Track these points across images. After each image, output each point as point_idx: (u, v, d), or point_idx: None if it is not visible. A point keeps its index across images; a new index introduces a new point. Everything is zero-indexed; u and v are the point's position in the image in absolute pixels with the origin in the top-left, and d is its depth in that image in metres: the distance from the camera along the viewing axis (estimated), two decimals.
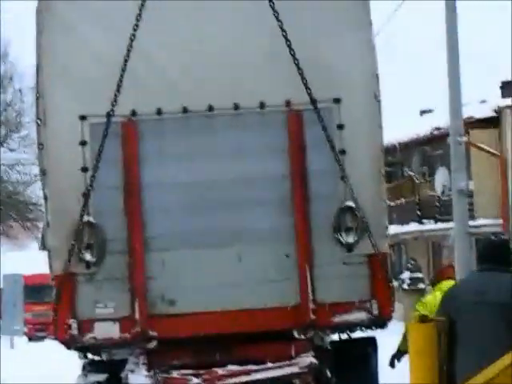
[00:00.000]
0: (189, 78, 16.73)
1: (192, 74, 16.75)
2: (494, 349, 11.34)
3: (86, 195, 16.23)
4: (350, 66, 16.96)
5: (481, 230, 48.81)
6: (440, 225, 59.79)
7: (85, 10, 17.20)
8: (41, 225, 29.47)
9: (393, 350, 18.62)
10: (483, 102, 59.07)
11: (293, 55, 15.97)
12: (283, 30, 15.92)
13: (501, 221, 56.28)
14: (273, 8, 15.89)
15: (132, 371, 16.60)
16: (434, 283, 20.64)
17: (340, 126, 16.39)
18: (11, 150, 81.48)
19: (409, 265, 59.21)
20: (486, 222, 54.71)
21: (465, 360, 11.94)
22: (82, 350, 17.58)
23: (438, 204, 61.92)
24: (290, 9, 16.32)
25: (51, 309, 17.36)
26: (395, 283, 21.15)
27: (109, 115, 16.14)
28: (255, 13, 16.56)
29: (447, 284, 19.15)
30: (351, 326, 17.23)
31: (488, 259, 13.12)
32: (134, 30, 16.09)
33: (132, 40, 16.08)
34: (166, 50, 16.77)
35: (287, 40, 15.92)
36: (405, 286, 29.66)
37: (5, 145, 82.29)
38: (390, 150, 49.03)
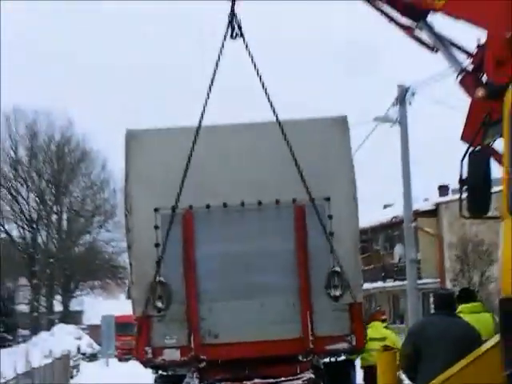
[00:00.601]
0: (227, 183, 19.95)
1: (229, 181, 19.99)
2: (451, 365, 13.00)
3: (158, 263, 19.54)
4: (336, 175, 20.34)
5: (425, 286, 56.55)
6: (397, 283, 68.33)
7: (159, 137, 20.80)
8: (127, 282, 32.25)
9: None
10: (426, 199, 70.05)
11: (298, 169, 19.15)
12: (292, 154, 19.10)
13: (438, 280, 67.50)
14: (285, 138, 19.12)
15: (188, 383, 20.08)
16: (367, 323, 22.95)
17: (329, 217, 19.92)
18: (108, 231, 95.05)
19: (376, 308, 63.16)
20: (429, 281, 64.95)
21: (432, 373, 13.32)
22: (155, 367, 20.75)
23: (396, 268, 69.48)
24: (295, 139, 19.36)
25: (134, 339, 21.13)
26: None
27: (173, 209, 19.38)
28: (272, 141, 19.71)
29: (375, 324, 23.58)
30: (337, 352, 20.58)
31: (444, 307, 15.21)
32: (191, 153, 19.05)
33: (189, 159, 19.05)
34: (213, 165, 19.99)
35: (295, 160, 19.13)
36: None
37: (103, 228, 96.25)
38: (363, 232, 54.57)
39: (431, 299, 57.45)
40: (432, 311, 17.79)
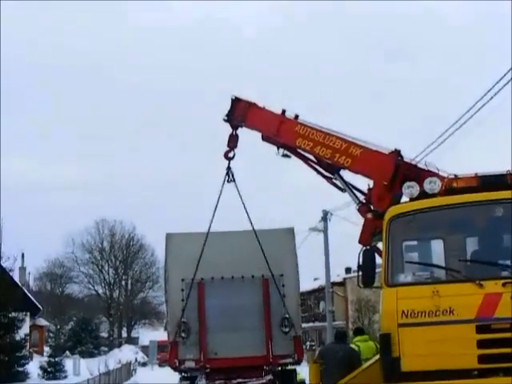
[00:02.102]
0: (224, 265, 19.62)
1: (225, 264, 19.64)
2: (342, 377, 12.83)
3: (183, 310, 19.31)
4: (287, 261, 20.11)
5: (337, 325, 54.14)
6: (321, 323, 66.33)
7: (185, 237, 20.44)
8: (165, 321, 32.71)
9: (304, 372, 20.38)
10: (338, 275, 67.97)
11: (265, 258, 19.05)
12: (261, 249, 19.00)
13: (345, 322, 65.90)
14: (258, 241, 19.04)
15: (199, 381, 19.79)
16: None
17: (283, 285, 19.67)
18: (154, 291, 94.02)
19: (308, 341, 62.78)
20: (339, 323, 63.12)
21: (328, 379, 13.53)
22: (180, 371, 20.38)
23: (320, 315, 69.30)
24: (263, 241, 19.24)
25: (168, 354, 20.84)
26: (304, 346, 24.13)
27: (192, 280, 19.27)
28: (249, 241, 19.30)
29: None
30: (286, 364, 19.92)
31: (339, 338, 15.66)
32: (202, 249, 18.99)
33: (202, 252, 18.97)
34: (217, 254, 19.40)
35: (263, 253, 19.01)
36: (307, 348, 32.71)
37: (151, 289, 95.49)
38: (302, 294, 55.09)
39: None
40: (333, 340, 17.18)
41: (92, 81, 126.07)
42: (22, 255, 64.48)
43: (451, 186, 10.67)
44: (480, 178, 10.58)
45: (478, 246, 10.91)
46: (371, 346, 16.12)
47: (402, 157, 15.81)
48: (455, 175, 10.90)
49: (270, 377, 19.66)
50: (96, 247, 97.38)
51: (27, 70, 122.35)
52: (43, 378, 39.18)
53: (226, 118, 19.14)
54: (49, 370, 40.09)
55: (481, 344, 9.58)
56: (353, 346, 16.04)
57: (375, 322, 52.86)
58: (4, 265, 43.43)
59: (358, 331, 17.90)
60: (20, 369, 38.59)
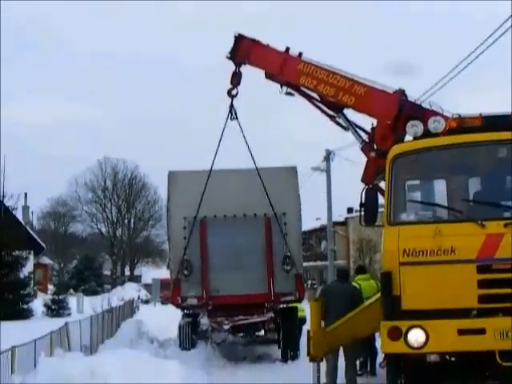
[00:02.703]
0: (226, 203, 19.62)
1: (227, 202, 19.65)
2: (344, 314, 12.92)
3: (185, 248, 19.44)
4: (289, 200, 20.08)
5: (338, 264, 54.07)
6: (322, 262, 65.62)
7: (187, 175, 20.48)
8: (167, 259, 32.88)
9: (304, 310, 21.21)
10: (340, 215, 67.62)
11: (268, 197, 19.13)
12: (264, 187, 19.08)
13: (345, 261, 66.38)
14: (261, 179, 19.13)
15: (201, 318, 20.23)
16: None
17: (285, 224, 19.73)
18: (156, 230, 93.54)
19: (309, 280, 63.30)
20: (340, 262, 62.94)
21: (333, 317, 13.18)
22: (183, 308, 20.59)
23: (322, 254, 68.77)
24: (266, 179, 19.31)
25: (171, 292, 20.55)
26: (305, 285, 24.26)
27: (195, 217, 19.40)
28: (253, 180, 19.39)
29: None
30: (287, 302, 20.08)
31: (341, 276, 15.66)
32: (205, 186, 19.08)
33: (204, 190, 19.07)
34: (219, 192, 19.45)
35: (266, 192, 19.07)
36: (308, 287, 33.10)
37: (154, 227, 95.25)
38: (304, 233, 55.12)
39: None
40: (335, 279, 17.31)
41: (97, 17, 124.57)
42: (25, 194, 64.87)
43: (455, 126, 10.60)
44: (484, 118, 10.48)
45: (480, 186, 10.90)
46: (372, 284, 16.22)
47: (406, 96, 15.77)
48: (459, 115, 10.83)
49: (271, 314, 19.84)
50: (99, 186, 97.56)
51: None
52: (47, 315, 39.51)
53: (229, 56, 19.02)
54: (53, 307, 40.39)
55: (481, 284, 9.63)
56: (354, 284, 16.09)
57: (376, 261, 53.16)
58: (7, 204, 43.66)
59: (360, 270, 17.94)
60: (24, 306, 38.83)
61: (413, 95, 16.09)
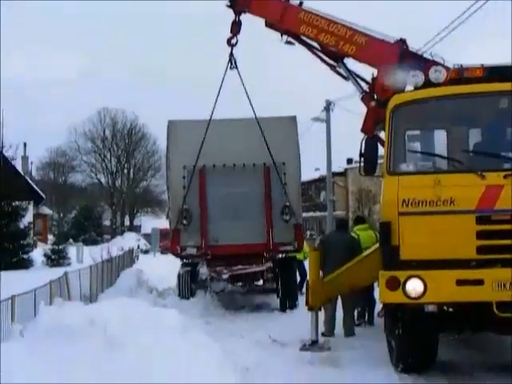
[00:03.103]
0: (226, 153, 19.51)
1: (227, 152, 19.55)
2: (343, 264, 13.11)
3: (184, 197, 19.34)
4: (289, 150, 19.96)
5: (337, 214, 54.05)
6: (321, 213, 66.60)
7: (187, 124, 20.38)
8: (167, 209, 32.75)
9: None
10: (339, 166, 68.03)
11: (267, 146, 19.01)
12: (264, 137, 18.98)
13: (345, 212, 66.20)
14: (260, 128, 19.00)
15: (200, 267, 19.97)
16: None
17: (284, 173, 19.58)
18: (156, 179, 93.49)
19: (308, 230, 63.48)
20: (339, 212, 63.17)
21: (329, 267, 13.59)
22: (182, 258, 20.53)
23: (321, 205, 68.78)
24: (266, 128, 19.18)
25: (170, 242, 20.66)
26: (304, 236, 24.18)
27: (194, 167, 19.29)
28: (252, 129, 19.19)
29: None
30: (286, 252, 20.07)
31: (340, 226, 16.44)
32: (204, 136, 18.94)
33: (203, 139, 18.92)
34: (219, 142, 19.37)
35: (265, 140, 18.97)
36: (307, 237, 32.78)
37: (153, 177, 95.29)
38: (303, 184, 54.69)
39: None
40: (334, 229, 17.23)
41: None
42: (24, 145, 64.87)
43: (456, 76, 10.52)
44: (486, 68, 10.40)
45: (481, 137, 10.86)
46: (371, 235, 16.22)
47: (407, 46, 15.61)
48: (461, 65, 10.75)
49: (270, 264, 19.88)
50: (98, 136, 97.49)
51: None
52: (47, 265, 39.71)
53: (229, 4, 18.80)
54: (52, 257, 40.58)
55: (480, 235, 9.65)
56: (353, 234, 16.15)
57: (375, 212, 53.47)
58: (6, 154, 43.67)
59: (359, 220, 17.99)
60: (24, 256, 39.05)
61: (414, 46, 15.93)
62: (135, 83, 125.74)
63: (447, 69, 11.04)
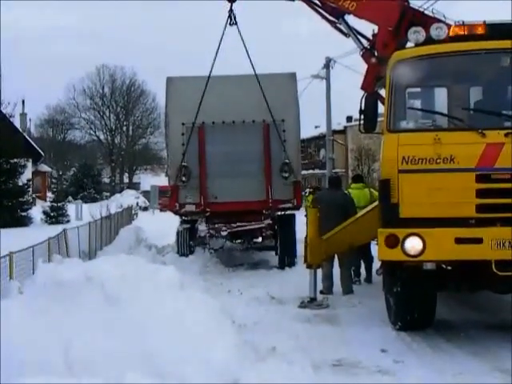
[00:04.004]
0: (225, 110, 19.53)
1: (226, 109, 19.54)
2: (336, 221, 13.40)
3: (183, 154, 19.40)
4: (288, 107, 19.96)
5: (336, 172, 52.94)
6: (321, 171, 66.51)
7: (186, 81, 20.30)
8: (166, 166, 32.72)
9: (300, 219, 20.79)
10: (339, 124, 68.04)
11: (266, 103, 18.93)
12: (263, 94, 18.84)
13: (344, 170, 66.09)
14: (260, 85, 18.83)
15: (199, 224, 19.98)
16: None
17: (284, 130, 19.66)
18: (155, 137, 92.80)
19: (307, 188, 63.62)
20: (339, 170, 62.45)
21: (325, 225, 13.42)
22: (181, 215, 20.74)
23: (320, 163, 68.88)
24: (266, 85, 19.03)
25: (169, 199, 21.12)
26: (303, 193, 24.18)
27: (193, 123, 19.27)
28: (252, 86, 19.07)
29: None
30: (285, 209, 20.20)
31: (333, 184, 16.23)
32: (203, 93, 18.82)
33: (202, 96, 18.81)
34: (218, 99, 19.28)
35: (265, 97, 18.85)
36: (307, 194, 32.61)
37: (153, 135, 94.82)
38: (302, 141, 54.27)
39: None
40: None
41: None
42: (23, 102, 64.52)
43: (458, 33, 10.42)
44: (488, 25, 10.26)
45: (482, 95, 10.79)
46: (365, 193, 16.26)
47: (408, 2, 15.49)
48: (463, 22, 10.63)
49: (269, 221, 19.89)
50: (97, 93, 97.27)
51: None
52: (46, 222, 39.78)
53: None
54: (51, 214, 40.62)
55: (480, 193, 9.63)
56: (346, 192, 16.26)
57: (375, 170, 53.54)
58: (4, 111, 43.56)
59: (356, 179, 17.99)
60: (23, 214, 39.15)
61: (416, 2, 15.80)
62: (134, 38, 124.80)
63: (448, 26, 10.92)
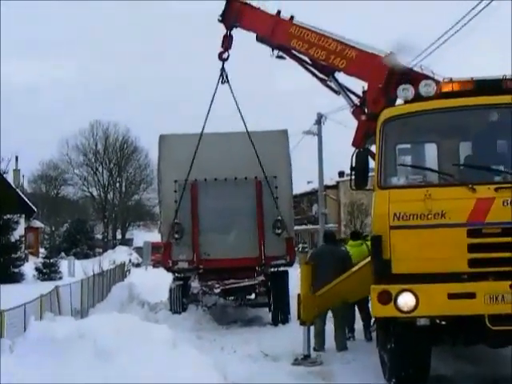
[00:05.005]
0: (217, 167, 19.58)
1: (218, 165, 19.61)
2: (332, 276, 13.33)
3: (176, 211, 19.42)
4: (280, 164, 20.03)
5: (329, 227, 53.18)
6: (313, 226, 66.49)
7: (178, 138, 20.40)
8: (159, 223, 32.78)
9: (295, 275, 22.17)
10: (331, 179, 67.38)
11: (258, 160, 19.00)
12: (255, 151, 18.98)
13: (337, 225, 66.33)
14: (252, 142, 18.97)
15: (192, 281, 19.80)
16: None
17: (276, 187, 19.66)
18: (148, 193, 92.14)
19: (301, 244, 63.51)
20: (331, 225, 62.30)
21: (323, 279, 13.43)
22: (173, 272, 20.48)
23: (313, 218, 68.73)
24: (257, 143, 19.21)
25: (162, 255, 20.99)
26: (296, 249, 24.13)
27: (186, 181, 19.28)
28: (244, 143, 19.23)
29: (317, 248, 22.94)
30: (278, 265, 20.05)
31: (329, 239, 16.04)
32: (196, 150, 18.99)
33: (195, 153, 18.93)
34: (210, 156, 19.44)
35: (257, 155, 18.98)
36: (300, 250, 32.94)
37: (145, 191, 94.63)
38: (295, 196, 54.50)
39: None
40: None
41: None
42: (16, 158, 64.68)
43: (446, 89, 10.53)
44: (475, 82, 10.40)
45: (471, 150, 10.85)
46: (363, 250, 16.16)
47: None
48: (451, 79, 10.77)
49: (262, 278, 19.81)
50: (90, 149, 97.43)
51: None
52: (38, 278, 39.57)
53: (220, 19, 19.05)
54: (44, 271, 40.40)
55: (471, 248, 9.61)
56: (344, 249, 16.16)
57: (367, 224, 53.58)
58: None
59: (354, 235, 17.99)
60: (15, 270, 38.96)
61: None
62: (127, 95, 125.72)
63: (437, 82, 11.07)
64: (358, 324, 16.08)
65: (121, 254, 65.38)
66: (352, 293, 13.04)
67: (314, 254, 16.14)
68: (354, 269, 13.35)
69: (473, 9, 16.74)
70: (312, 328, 13.81)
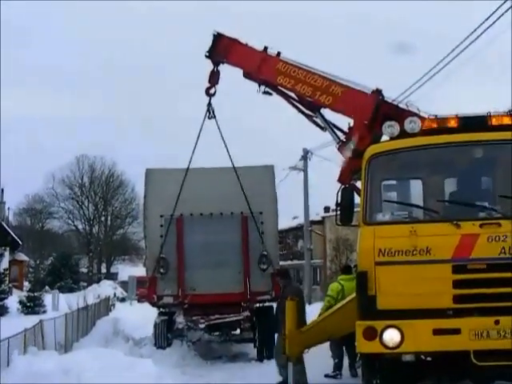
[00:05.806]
0: (203, 202, 19.65)
1: (204, 200, 19.67)
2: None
3: (162, 246, 19.45)
4: (266, 199, 20.10)
5: (315, 264, 53.45)
6: (299, 261, 65.71)
7: (164, 173, 20.54)
8: (144, 257, 32.51)
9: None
10: (317, 214, 66.00)
11: (244, 195, 19.17)
12: (241, 186, 19.13)
13: (322, 260, 65.03)
14: (238, 177, 19.20)
15: (177, 316, 19.77)
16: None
17: (262, 223, 19.79)
18: (133, 227, 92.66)
19: None
20: (317, 261, 62.17)
21: (303, 316, 13.70)
22: (158, 307, 20.39)
23: (298, 253, 68.20)
24: (243, 178, 19.39)
25: (147, 290, 20.89)
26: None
27: (171, 215, 19.43)
28: (229, 178, 19.43)
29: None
30: (264, 301, 20.08)
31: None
32: (182, 185, 19.14)
33: (181, 188, 19.09)
34: (196, 191, 19.52)
35: (243, 190, 19.12)
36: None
37: (131, 225, 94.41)
38: (281, 232, 54.33)
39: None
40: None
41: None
42: (1, 190, 64.54)
43: (431, 126, 10.63)
44: (460, 119, 10.49)
45: (456, 186, 10.91)
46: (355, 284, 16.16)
47: (383, 96, 15.85)
48: (436, 116, 10.87)
49: (247, 313, 19.80)
50: (76, 183, 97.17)
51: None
52: (22, 312, 39.32)
53: (207, 54, 19.18)
54: (28, 304, 40.16)
55: (456, 284, 9.63)
56: (337, 284, 16.14)
57: (353, 260, 53.34)
58: None
59: (345, 270, 17.78)
60: None
61: (391, 95, 16.18)
62: (114, 129, 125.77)
63: (422, 119, 11.16)
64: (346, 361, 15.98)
65: (105, 288, 64.83)
66: (338, 328, 12.89)
67: (298, 289, 16.03)
68: (340, 304, 13.33)
69: (460, 43, 16.86)
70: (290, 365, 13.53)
